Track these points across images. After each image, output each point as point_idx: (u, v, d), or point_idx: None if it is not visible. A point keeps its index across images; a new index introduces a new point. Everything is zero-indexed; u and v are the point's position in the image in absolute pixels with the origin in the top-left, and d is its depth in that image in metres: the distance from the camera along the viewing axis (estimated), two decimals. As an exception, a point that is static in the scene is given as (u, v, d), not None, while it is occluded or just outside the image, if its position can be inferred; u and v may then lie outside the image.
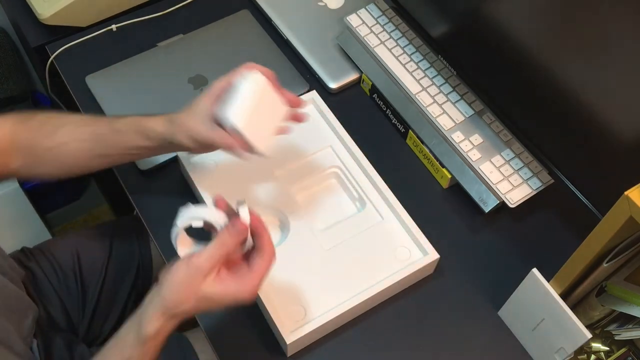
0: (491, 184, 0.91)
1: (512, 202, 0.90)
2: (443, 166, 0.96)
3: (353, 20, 1.05)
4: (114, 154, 0.82)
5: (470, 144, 0.93)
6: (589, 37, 0.73)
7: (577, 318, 0.73)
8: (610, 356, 0.79)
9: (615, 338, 0.78)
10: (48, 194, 1.59)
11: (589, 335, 0.72)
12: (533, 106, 0.87)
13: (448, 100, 0.97)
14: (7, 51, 1.44)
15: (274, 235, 0.90)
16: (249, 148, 0.76)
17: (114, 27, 1.10)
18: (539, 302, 0.77)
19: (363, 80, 1.05)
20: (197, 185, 0.90)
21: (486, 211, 0.91)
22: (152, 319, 0.68)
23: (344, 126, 0.96)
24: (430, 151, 0.97)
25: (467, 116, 0.96)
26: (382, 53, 1.02)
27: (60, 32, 1.09)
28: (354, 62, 1.06)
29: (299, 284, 0.85)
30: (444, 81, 0.99)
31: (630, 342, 0.78)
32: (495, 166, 0.92)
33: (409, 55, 1.01)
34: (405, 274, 0.84)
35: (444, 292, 0.89)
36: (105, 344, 0.72)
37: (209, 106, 0.77)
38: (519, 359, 0.85)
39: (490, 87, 0.92)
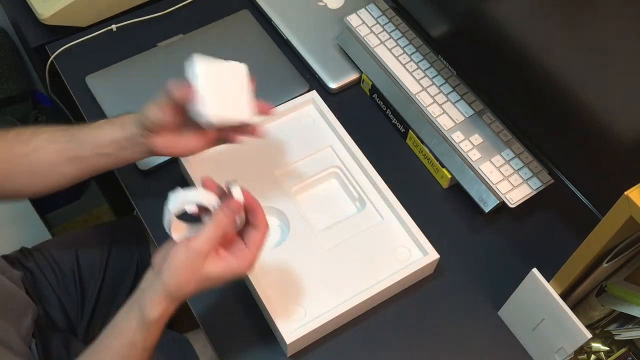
0: (491, 184, 0.91)
1: (512, 202, 0.90)
2: (443, 166, 0.96)
3: (353, 20, 1.05)
4: (88, 154, 0.79)
5: (470, 144, 0.93)
6: (589, 37, 0.73)
7: (577, 318, 0.73)
8: (610, 356, 0.79)
9: (615, 338, 0.78)
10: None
11: (589, 335, 0.72)
12: (533, 106, 0.87)
13: (448, 100, 0.97)
14: (7, 51, 1.44)
15: (274, 235, 0.90)
16: (232, 124, 0.76)
17: (114, 27, 1.10)
18: (539, 302, 0.77)
19: (363, 80, 1.05)
20: (197, 185, 0.90)
21: (486, 211, 0.91)
22: (155, 304, 0.68)
23: (344, 126, 0.96)
24: (430, 151, 0.97)
25: (467, 116, 0.96)
26: (382, 53, 1.02)
27: (60, 32, 1.09)
28: (354, 62, 1.06)
29: (299, 284, 0.85)
30: (444, 81, 0.99)
31: (630, 342, 0.78)
32: (495, 166, 0.92)
33: (409, 55, 1.01)
34: (405, 274, 0.84)
35: (444, 292, 0.89)
36: (98, 335, 0.72)
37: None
38: (519, 359, 0.85)
39: (490, 87, 0.92)
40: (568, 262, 0.73)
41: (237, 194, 0.71)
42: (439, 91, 0.98)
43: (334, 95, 1.05)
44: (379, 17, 1.05)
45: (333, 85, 1.05)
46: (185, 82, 0.73)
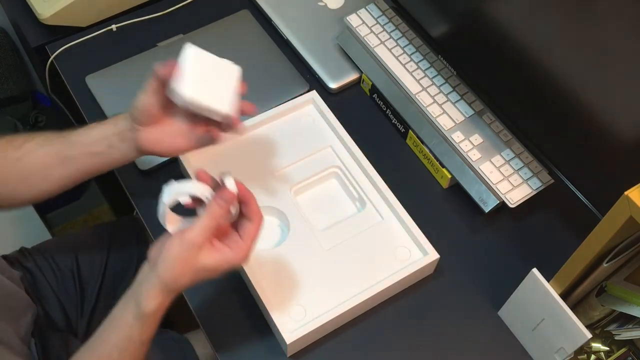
0: (491, 184, 0.91)
1: (512, 202, 0.90)
2: (443, 166, 0.96)
3: (353, 20, 1.05)
4: (78, 154, 0.79)
5: (470, 144, 0.93)
6: (589, 37, 0.73)
7: (577, 318, 0.73)
8: (610, 356, 0.79)
9: (615, 338, 0.78)
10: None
11: (589, 335, 0.72)
12: (533, 106, 0.87)
13: (448, 100, 0.97)
14: (7, 51, 1.44)
15: (274, 235, 0.90)
16: (209, 112, 0.75)
17: (114, 27, 1.10)
18: (539, 302, 0.77)
19: (363, 80, 1.05)
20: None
21: (486, 211, 0.91)
22: (151, 297, 0.68)
23: (344, 126, 0.96)
24: (430, 151, 0.97)
25: (467, 116, 0.96)
26: (382, 53, 1.02)
27: (60, 32, 1.09)
28: (354, 62, 1.06)
29: (299, 284, 0.85)
30: (444, 81, 0.99)
31: (630, 342, 0.78)
32: (495, 166, 0.92)
33: (409, 55, 1.01)
34: (405, 274, 0.84)
35: (444, 292, 0.89)
36: (97, 329, 0.72)
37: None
38: (519, 359, 0.84)
39: (490, 87, 0.92)
40: (568, 262, 0.73)
41: (230, 185, 0.71)
42: (439, 91, 0.98)
43: (334, 95, 1.05)
44: (379, 17, 1.05)
45: (333, 85, 1.05)
46: (172, 61, 0.74)
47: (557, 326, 0.76)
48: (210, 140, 0.79)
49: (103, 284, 1.05)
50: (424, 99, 0.97)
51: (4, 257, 1.02)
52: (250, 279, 0.83)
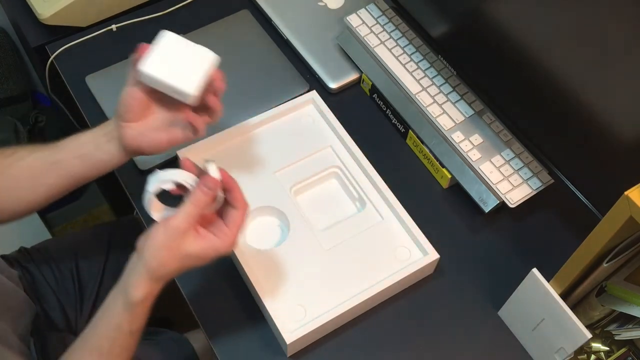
0: (491, 184, 0.91)
1: (512, 202, 0.90)
2: (443, 166, 0.96)
3: (353, 20, 1.05)
4: (66, 157, 0.79)
5: (470, 144, 0.94)
6: (589, 37, 0.73)
7: (577, 318, 0.73)
8: (610, 356, 0.79)
9: (615, 338, 0.78)
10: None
11: (589, 335, 0.72)
12: (533, 106, 0.87)
13: (448, 100, 0.97)
14: (7, 51, 1.44)
15: (274, 235, 0.90)
16: (172, 91, 0.75)
17: (114, 27, 1.10)
18: (539, 302, 0.77)
19: (363, 80, 1.05)
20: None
21: (486, 211, 0.91)
22: (138, 285, 0.69)
23: (344, 126, 0.96)
24: (430, 151, 0.97)
25: (467, 116, 0.96)
26: (382, 53, 1.02)
27: (60, 32, 1.09)
28: (354, 62, 1.06)
29: (299, 284, 0.85)
30: (444, 81, 0.99)
31: (630, 342, 0.78)
32: (495, 166, 0.92)
33: (409, 55, 1.01)
34: (405, 274, 0.84)
35: (444, 292, 0.89)
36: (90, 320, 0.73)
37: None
38: (519, 359, 0.84)
39: (490, 87, 0.92)
40: (568, 262, 0.73)
41: (213, 171, 0.71)
42: (439, 91, 0.98)
43: (334, 95, 1.05)
44: (379, 17, 1.05)
45: (333, 85, 1.05)
46: (145, 44, 0.75)
47: (557, 326, 0.76)
48: (193, 131, 0.78)
49: (102, 284, 1.05)
50: (424, 99, 0.97)
51: (3, 256, 1.02)
52: (251, 279, 0.83)
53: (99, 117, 0.99)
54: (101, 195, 1.73)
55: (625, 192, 0.61)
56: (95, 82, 1.03)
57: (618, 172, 0.78)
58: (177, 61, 0.75)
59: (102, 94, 1.02)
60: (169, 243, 0.68)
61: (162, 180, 0.71)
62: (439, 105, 0.97)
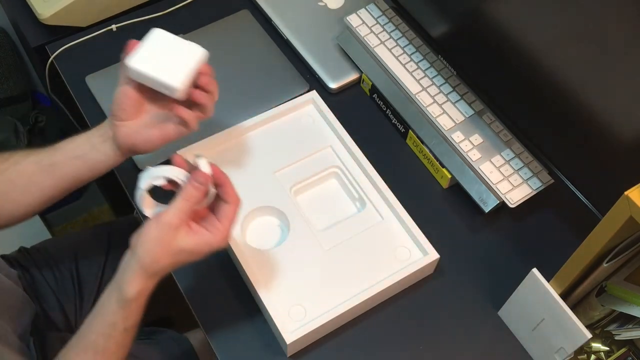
0: (491, 184, 0.91)
1: (512, 202, 0.90)
2: (443, 166, 0.96)
3: (353, 20, 1.05)
4: (61, 159, 0.79)
5: (470, 144, 0.94)
6: (589, 37, 0.73)
7: (577, 318, 0.73)
8: (610, 356, 0.79)
9: (615, 338, 0.78)
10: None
11: (589, 335, 0.72)
12: (533, 106, 0.87)
13: (448, 100, 0.97)
14: (7, 51, 1.44)
15: (274, 235, 0.90)
16: (158, 85, 0.74)
17: (114, 27, 1.10)
18: (539, 302, 0.77)
19: (363, 80, 1.05)
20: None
21: (486, 211, 0.91)
22: (132, 281, 0.69)
23: (344, 126, 0.96)
24: (430, 151, 0.97)
25: (467, 116, 0.96)
26: (382, 53, 1.02)
27: (60, 32, 1.09)
28: (354, 62, 1.06)
29: (299, 284, 0.85)
30: (444, 81, 0.99)
31: (630, 342, 0.78)
32: (495, 166, 0.92)
33: (409, 55, 1.01)
34: (405, 274, 0.84)
35: (444, 292, 0.89)
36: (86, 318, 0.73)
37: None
38: (519, 359, 0.84)
39: (490, 87, 0.92)
40: (568, 262, 0.73)
41: (204, 166, 0.71)
42: (439, 91, 0.98)
43: (334, 95, 1.05)
44: (379, 17, 1.05)
45: (333, 85, 1.05)
46: (134, 41, 0.76)
47: (557, 326, 0.76)
48: (184, 125, 0.77)
49: (102, 284, 1.05)
50: (424, 99, 0.97)
51: (3, 256, 1.02)
52: (250, 279, 0.83)
53: (99, 117, 0.99)
54: (101, 195, 1.73)
55: (625, 192, 0.61)
56: (95, 82, 1.03)
57: (618, 172, 0.78)
58: (165, 56, 0.75)
59: (102, 94, 1.02)
60: (162, 238, 0.68)
61: (153, 176, 0.72)
62: (439, 105, 0.97)
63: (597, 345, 0.79)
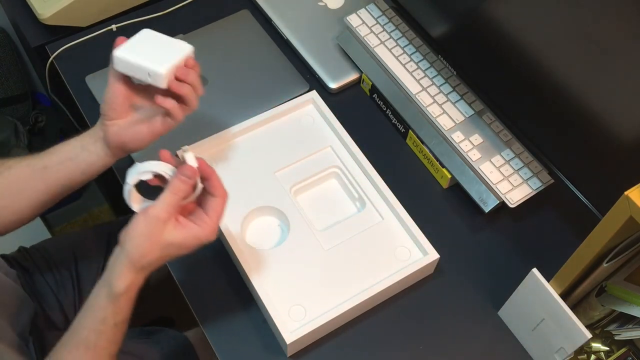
0: (491, 184, 0.91)
1: (512, 202, 0.90)
2: (443, 166, 0.96)
3: (353, 20, 1.05)
4: (54, 162, 0.80)
5: (470, 144, 0.94)
6: (589, 37, 0.73)
7: (577, 318, 0.73)
8: (610, 356, 0.79)
9: (615, 338, 0.78)
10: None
11: (589, 335, 0.72)
12: (533, 106, 0.87)
13: (448, 100, 0.97)
14: (7, 51, 1.44)
15: (274, 235, 0.90)
16: (142, 72, 0.75)
17: (114, 27, 1.10)
18: (539, 302, 0.77)
19: (363, 80, 1.05)
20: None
21: (486, 211, 0.91)
22: (121, 276, 0.69)
23: (344, 126, 0.96)
24: (430, 151, 0.97)
25: (467, 116, 0.96)
26: (382, 53, 1.02)
27: (60, 32, 1.09)
28: (354, 62, 1.06)
29: (299, 284, 0.85)
30: (444, 81, 0.99)
31: (630, 342, 0.78)
32: (495, 166, 0.92)
33: (409, 55, 1.01)
34: (405, 274, 0.84)
35: (444, 292, 0.89)
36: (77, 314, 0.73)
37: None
38: (519, 359, 0.84)
39: (490, 87, 0.92)
40: (568, 262, 0.73)
41: (190, 159, 0.71)
42: (439, 91, 0.98)
43: (334, 95, 1.05)
44: (379, 17, 1.05)
45: (333, 85, 1.05)
46: (123, 37, 0.77)
47: (557, 326, 0.76)
48: (170, 116, 0.77)
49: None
50: (424, 99, 0.97)
51: (3, 256, 1.02)
52: (250, 279, 0.83)
53: (99, 117, 0.99)
54: (101, 195, 1.73)
55: (625, 192, 0.61)
56: (95, 82, 1.03)
57: (618, 172, 0.78)
58: (151, 49, 0.76)
59: (102, 94, 1.01)
60: (150, 232, 0.68)
61: (140, 171, 0.72)
62: (439, 105, 0.97)
63: (597, 345, 0.79)
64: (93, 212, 1.76)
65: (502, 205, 0.91)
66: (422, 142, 0.98)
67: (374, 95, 1.04)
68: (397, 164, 0.99)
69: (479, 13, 0.87)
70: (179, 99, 0.77)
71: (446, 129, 0.95)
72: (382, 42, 1.02)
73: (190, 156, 0.72)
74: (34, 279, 1.02)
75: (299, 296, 0.84)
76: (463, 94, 0.98)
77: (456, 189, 0.96)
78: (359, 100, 1.05)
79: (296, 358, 0.83)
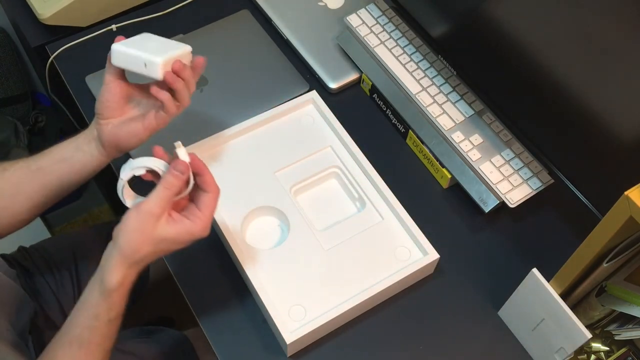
0: (491, 184, 0.91)
1: (512, 202, 0.90)
2: (443, 166, 0.96)
3: (353, 20, 1.05)
4: (49, 163, 0.80)
5: (470, 144, 0.94)
6: (589, 37, 0.73)
7: (577, 318, 0.73)
8: (610, 356, 0.79)
9: (615, 338, 0.78)
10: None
11: (589, 335, 0.72)
12: (533, 106, 0.87)
13: (448, 100, 0.97)
14: (7, 51, 1.44)
15: (274, 235, 0.90)
16: (139, 63, 0.75)
17: (114, 27, 1.10)
18: (539, 302, 0.77)
19: (363, 80, 1.05)
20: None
21: (486, 211, 0.91)
22: (113, 271, 0.69)
23: (344, 126, 0.96)
24: (430, 151, 0.97)
25: (467, 116, 0.96)
26: (382, 53, 1.02)
27: (60, 32, 1.09)
28: (354, 62, 1.06)
29: (299, 284, 0.85)
30: (444, 81, 0.99)
31: (630, 342, 0.78)
32: (495, 166, 0.92)
33: (409, 55, 1.01)
34: (405, 274, 0.84)
35: (444, 292, 0.89)
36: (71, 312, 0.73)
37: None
38: (519, 359, 0.84)
39: (490, 87, 0.92)
40: (568, 262, 0.73)
41: (182, 154, 0.72)
42: (439, 91, 0.98)
43: (334, 95, 1.05)
44: (379, 17, 1.05)
45: (333, 85, 1.05)
46: (121, 37, 0.78)
47: (557, 326, 0.76)
48: (163, 110, 0.77)
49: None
50: (424, 99, 0.97)
51: (2, 255, 1.02)
52: (250, 279, 0.83)
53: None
54: (101, 195, 1.73)
55: (625, 192, 0.61)
56: (95, 82, 1.03)
57: (618, 172, 0.78)
58: (149, 45, 0.77)
59: (102, 94, 1.02)
60: (142, 227, 0.68)
61: (134, 167, 0.73)
62: (439, 105, 0.97)
63: (597, 345, 0.79)
64: (93, 212, 1.76)
65: (502, 205, 0.91)
66: (422, 142, 0.98)
67: (374, 95, 1.04)
68: (397, 164, 0.99)
69: (479, 13, 0.87)
70: (172, 94, 0.77)
71: (446, 129, 0.95)
72: (382, 42, 1.02)
73: (182, 151, 0.72)
74: (34, 279, 1.02)
75: (299, 296, 0.84)
76: (463, 94, 0.98)
77: (456, 189, 0.96)
78: (359, 100, 1.05)
79: (296, 358, 0.83)
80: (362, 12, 1.05)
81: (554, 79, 0.80)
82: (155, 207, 0.68)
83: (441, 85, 0.98)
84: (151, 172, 0.73)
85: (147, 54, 0.74)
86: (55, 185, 0.81)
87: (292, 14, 1.11)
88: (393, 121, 1.02)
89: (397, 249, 0.88)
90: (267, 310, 0.81)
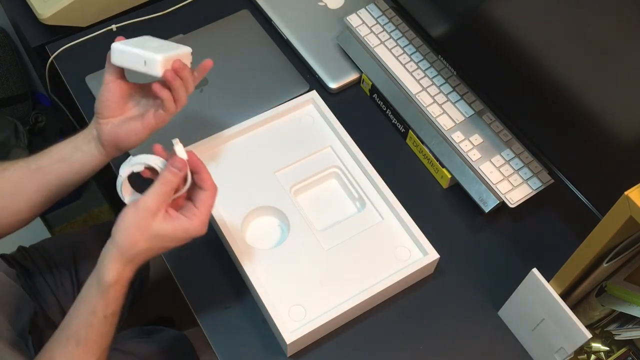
0: (491, 184, 0.91)
1: (512, 202, 0.90)
2: (443, 166, 0.96)
3: (353, 20, 1.05)
4: (48, 163, 0.80)
5: (470, 144, 0.94)
6: (589, 37, 0.73)
7: (577, 318, 0.73)
8: (610, 356, 0.79)
9: (615, 338, 0.78)
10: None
11: (589, 335, 0.72)
12: (533, 106, 0.87)
13: (448, 100, 0.97)
14: (7, 51, 1.44)
15: (274, 235, 0.90)
16: (139, 61, 0.75)
17: (114, 27, 1.10)
18: (539, 302, 0.77)
19: (363, 80, 1.05)
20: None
21: (486, 211, 0.91)
22: (110, 267, 0.69)
23: (344, 126, 0.96)
24: (430, 151, 0.97)
25: (467, 116, 0.96)
26: (382, 53, 1.02)
27: (60, 32, 1.09)
28: (354, 62, 1.06)
29: (299, 284, 0.85)
30: (444, 81, 0.99)
31: (630, 342, 0.78)
32: (495, 166, 0.92)
33: (409, 55, 1.01)
34: (405, 274, 0.84)
35: (444, 292, 0.89)
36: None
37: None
38: (519, 359, 0.84)
39: (490, 87, 0.92)
40: (568, 262, 0.73)
41: (179, 151, 0.72)
42: (439, 91, 0.98)
43: (334, 95, 1.05)
44: (379, 17, 1.05)
45: (333, 85, 1.05)
46: (122, 37, 0.78)
47: (557, 326, 0.76)
48: (162, 108, 0.77)
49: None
50: (424, 99, 0.97)
51: (2, 255, 1.02)
52: (250, 279, 0.83)
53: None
54: (101, 195, 1.73)
55: (625, 192, 0.61)
56: (95, 82, 1.03)
57: (618, 172, 0.78)
58: (149, 44, 0.77)
59: (102, 94, 1.02)
60: (139, 222, 0.69)
61: (133, 164, 0.73)
62: (439, 105, 0.97)
63: (597, 345, 0.79)
64: (93, 212, 1.76)
65: (502, 205, 0.91)
66: (422, 142, 0.98)
67: (374, 95, 1.04)
68: (397, 164, 0.99)
69: (479, 13, 0.87)
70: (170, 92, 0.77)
71: (446, 129, 0.95)
72: (382, 42, 1.02)
73: (180, 148, 0.72)
74: (34, 279, 1.02)
75: (299, 296, 0.84)
76: (463, 94, 0.98)
77: (456, 189, 0.96)
78: (359, 100, 1.05)
79: (296, 358, 0.83)
80: (362, 12, 1.05)
81: (554, 79, 0.80)
82: (152, 203, 0.69)
83: (441, 85, 0.98)
84: (150, 169, 0.74)
85: (147, 51, 0.75)
86: (55, 184, 0.81)
87: (292, 14, 1.11)
88: (393, 121, 1.02)
89: (397, 249, 0.88)
90: (267, 310, 0.81)
